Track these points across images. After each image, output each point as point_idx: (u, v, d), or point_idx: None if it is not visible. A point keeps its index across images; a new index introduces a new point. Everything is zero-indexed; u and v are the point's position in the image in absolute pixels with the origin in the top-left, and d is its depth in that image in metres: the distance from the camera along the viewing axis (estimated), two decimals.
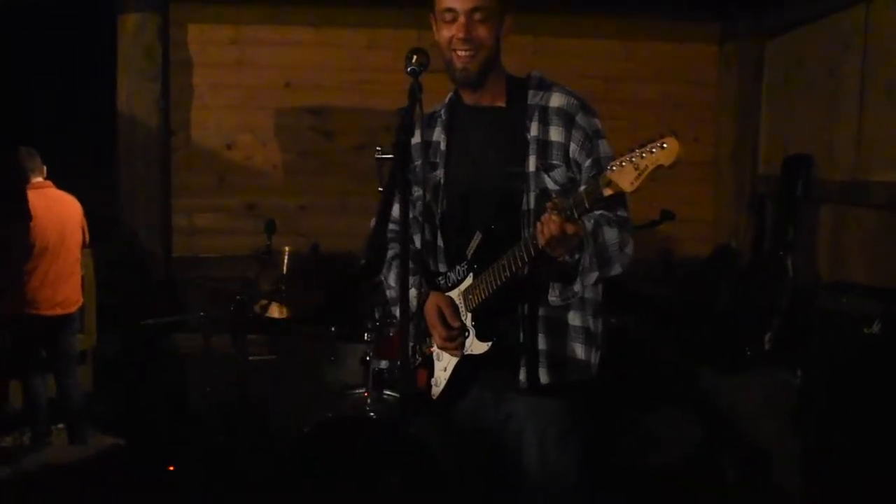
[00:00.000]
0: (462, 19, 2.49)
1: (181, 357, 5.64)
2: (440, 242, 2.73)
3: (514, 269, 2.42)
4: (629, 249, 2.51)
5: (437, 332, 2.63)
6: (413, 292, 2.70)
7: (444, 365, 2.69)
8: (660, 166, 2.10)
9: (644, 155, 2.10)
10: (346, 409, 4.15)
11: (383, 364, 4.12)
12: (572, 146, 2.54)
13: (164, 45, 5.96)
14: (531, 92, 2.61)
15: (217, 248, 6.14)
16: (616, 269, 2.51)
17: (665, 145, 2.08)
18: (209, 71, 6.12)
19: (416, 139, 2.75)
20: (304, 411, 4.45)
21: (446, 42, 2.54)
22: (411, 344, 2.66)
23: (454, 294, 2.65)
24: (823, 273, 5.46)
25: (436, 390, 2.71)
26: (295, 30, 6.14)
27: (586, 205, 2.22)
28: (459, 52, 2.52)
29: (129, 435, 5.40)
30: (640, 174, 2.11)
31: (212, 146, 6.16)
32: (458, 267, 2.64)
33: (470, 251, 2.59)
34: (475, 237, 2.57)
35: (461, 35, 2.49)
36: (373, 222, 2.16)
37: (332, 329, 4.67)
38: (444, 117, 2.73)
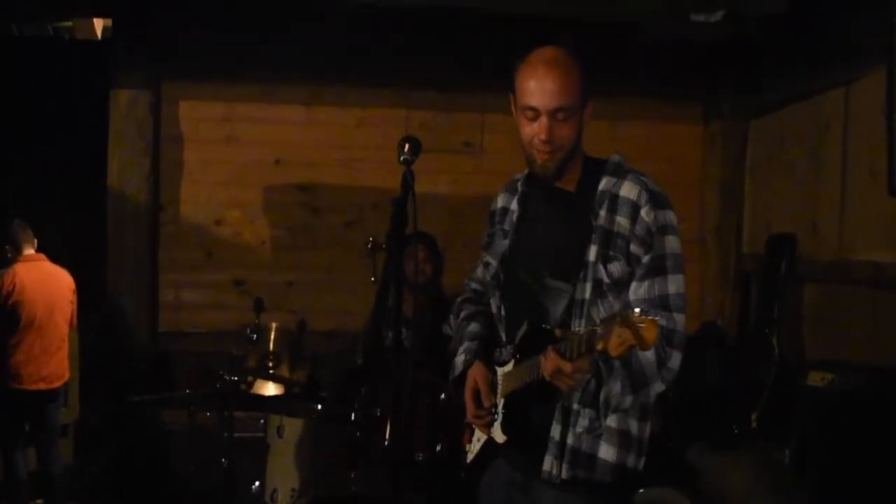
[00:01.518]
0: (544, 120, 2.41)
1: (166, 433, 5.59)
2: (502, 312, 2.70)
3: (534, 376, 2.38)
4: (673, 363, 2.39)
5: (468, 407, 2.64)
6: (461, 357, 2.75)
7: (479, 436, 2.71)
8: (635, 345, 2.02)
9: (629, 326, 2.00)
10: (333, 488, 4.10)
11: (370, 443, 4.08)
12: (634, 240, 2.43)
13: (156, 121, 6.01)
14: (605, 178, 2.52)
15: (204, 323, 6.12)
16: (657, 388, 2.41)
17: (642, 325, 1.98)
18: (200, 147, 6.17)
19: (500, 204, 2.78)
20: (290, 489, 4.40)
21: (527, 139, 2.47)
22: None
23: (499, 372, 2.63)
24: (809, 350, 5.48)
25: (469, 456, 2.73)
26: (285, 108, 6.22)
27: (583, 349, 2.16)
28: (540, 151, 2.46)
29: None
30: (621, 343, 2.02)
31: (200, 221, 6.18)
32: (509, 346, 2.62)
33: (517, 337, 2.55)
34: (524, 326, 2.53)
35: (543, 137, 2.42)
36: (366, 324, 2.17)
37: (318, 407, 4.63)
38: (521, 189, 2.70)
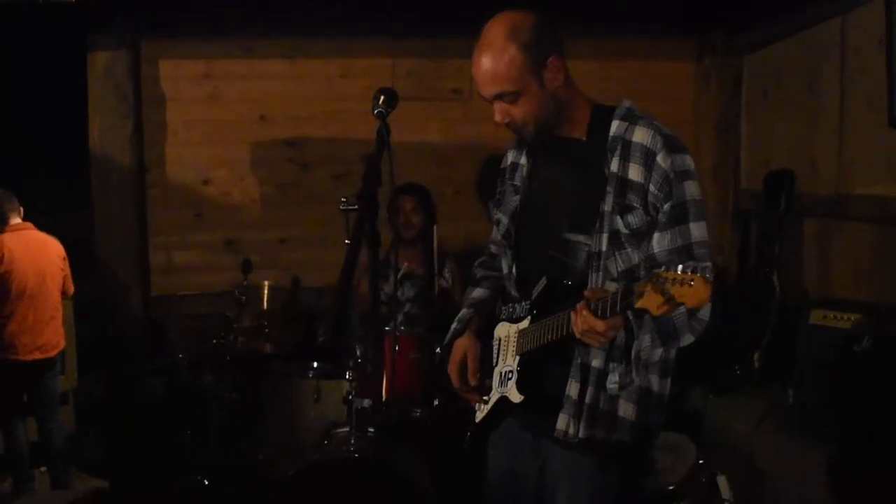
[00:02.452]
0: (496, 106, 2.40)
1: (162, 398, 5.56)
2: (514, 270, 2.62)
3: (558, 335, 2.32)
4: (704, 313, 2.30)
5: (452, 379, 2.60)
6: (454, 325, 2.73)
7: (489, 395, 2.65)
8: (683, 303, 1.93)
9: (674, 283, 1.92)
10: (331, 450, 4.05)
11: (366, 402, 4.02)
12: (651, 188, 2.34)
13: (136, 82, 5.87)
14: (615, 123, 2.43)
15: (196, 285, 6.04)
16: (686, 339, 2.34)
17: (692, 283, 1.90)
18: (182, 106, 6.03)
19: (509, 160, 2.72)
20: (287, 452, 4.37)
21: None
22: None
23: (512, 329, 2.57)
24: (811, 288, 5.42)
25: (478, 415, 2.68)
26: (267, 62, 6.07)
27: (618, 308, 2.08)
28: (513, 131, 2.46)
29: (113, 477, 5.31)
30: (666, 302, 1.93)
31: (188, 182, 6.07)
32: (523, 303, 2.55)
33: (535, 293, 2.49)
34: (541, 281, 2.47)
35: (498, 120, 2.42)
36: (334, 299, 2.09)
37: (315, 366, 4.58)
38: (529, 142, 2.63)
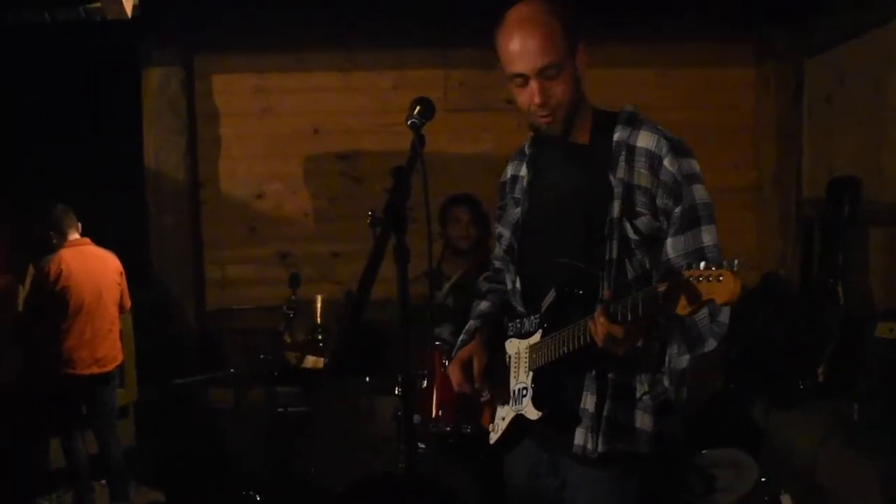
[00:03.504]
0: (535, 83, 2.29)
1: (216, 411, 5.57)
2: (518, 284, 2.55)
3: (575, 346, 2.25)
4: (723, 317, 2.24)
5: (454, 377, 2.54)
6: (461, 338, 2.67)
7: (503, 414, 2.55)
8: (712, 300, 1.87)
9: (700, 281, 1.86)
10: (380, 465, 4.01)
11: (416, 418, 3.96)
12: (660, 192, 2.30)
13: (189, 98, 5.95)
14: (619, 128, 2.38)
15: (250, 298, 6.07)
16: (710, 345, 2.26)
17: (721, 278, 1.84)
18: (236, 121, 6.09)
19: (508, 173, 2.65)
20: (338, 467, 4.35)
21: (525, 106, 2.36)
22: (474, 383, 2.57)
23: (522, 345, 2.49)
24: (877, 299, 5.24)
25: (493, 436, 2.59)
26: (319, 75, 6.11)
27: (640, 311, 2.00)
28: (540, 116, 2.34)
29: (169, 490, 5.33)
30: (691, 303, 1.88)
31: (241, 197, 6.12)
32: (532, 317, 2.47)
33: (544, 305, 2.42)
34: (550, 293, 2.39)
35: (538, 101, 2.30)
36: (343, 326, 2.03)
37: (367, 380, 4.54)
38: (529, 152, 2.57)
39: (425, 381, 4.06)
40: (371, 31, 5.92)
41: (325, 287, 5.69)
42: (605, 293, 2.15)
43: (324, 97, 6.11)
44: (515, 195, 2.59)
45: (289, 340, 4.74)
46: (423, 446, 4.02)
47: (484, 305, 2.72)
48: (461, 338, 2.68)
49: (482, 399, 2.61)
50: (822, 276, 5.44)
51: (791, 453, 4.79)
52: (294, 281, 4.83)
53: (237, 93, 6.07)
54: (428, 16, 5.80)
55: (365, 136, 6.12)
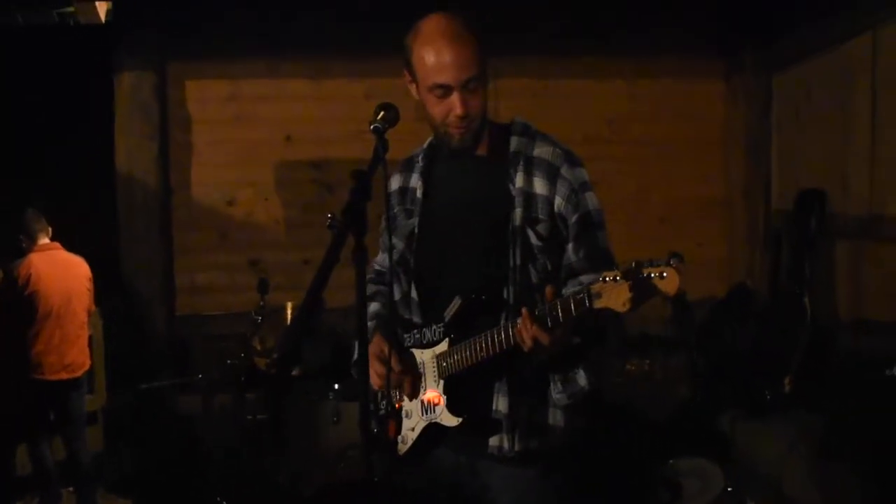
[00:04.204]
0: (457, 95, 2.33)
1: (185, 417, 5.54)
2: (413, 294, 2.57)
3: (493, 352, 2.27)
4: None
5: (373, 366, 2.49)
6: (371, 325, 2.64)
7: (412, 424, 2.54)
8: (658, 294, 1.93)
9: (642, 276, 1.92)
10: (347, 471, 4.00)
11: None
12: (557, 199, 2.38)
13: (162, 104, 5.92)
14: (514, 139, 2.45)
15: (221, 305, 6.04)
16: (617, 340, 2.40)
17: (664, 275, 1.91)
18: (208, 127, 6.07)
19: (394, 185, 2.65)
20: (306, 473, 4.33)
21: (440, 118, 2.38)
22: (380, 393, 2.55)
23: (427, 355, 2.49)
24: (842, 310, 5.30)
25: (402, 447, 2.57)
26: (292, 83, 6.10)
27: (572, 312, 2.06)
28: (457, 128, 2.38)
29: (137, 497, 5.29)
30: (633, 297, 1.94)
31: (212, 203, 6.10)
32: (434, 326, 2.48)
33: (448, 314, 2.43)
34: (454, 302, 2.41)
35: (460, 112, 2.34)
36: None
37: (336, 387, 4.53)
38: (421, 163, 2.60)
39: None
40: (343, 39, 5.93)
41: (296, 294, 5.64)
42: (549, 291, 2.15)
43: (296, 105, 6.11)
44: (407, 206, 2.60)
45: (258, 347, 4.72)
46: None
47: (375, 307, 2.72)
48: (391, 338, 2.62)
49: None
50: (790, 287, 5.49)
51: (757, 463, 4.82)
52: (262, 287, 4.83)
53: (210, 99, 6.06)
54: (400, 25, 5.81)
55: (337, 144, 6.11)
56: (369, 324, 2.65)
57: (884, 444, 4.00)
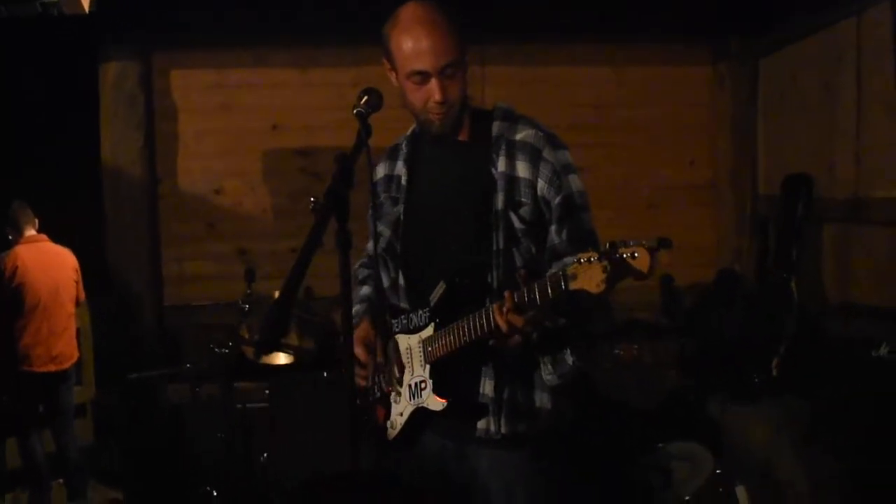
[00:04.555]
0: (435, 81, 2.36)
1: (175, 407, 5.54)
2: (401, 281, 2.59)
3: (475, 335, 2.29)
4: None
5: (358, 353, 2.53)
6: (359, 307, 2.69)
7: (400, 410, 2.55)
8: (633, 274, 1.94)
9: (616, 256, 1.93)
10: (338, 461, 3.99)
11: None
12: (540, 182, 2.41)
13: (147, 93, 5.90)
14: (496, 123, 2.47)
15: (209, 295, 6.01)
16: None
17: (636, 255, 1.91)
18: (194, 117, 6.05)
19: (381, 173, 2.67)
20: (296, 463, 4.33)
21: (420, 104, 2.42)
22: (369, 378, 2.59)
23: (413, 340, 2.51)
24: (829, 294, 5.32)
25: (391, 432, 2.59)
26: (279, 71, 6.08)
27: (550, 294, 2.07)
28: (437, 114, 2.40)
29: (128, 488, 5.29)
30: (608, 278, 1.94)
31: (200, 192, 6.08)
32: (420, 311, 2.50)
33: (433, 299, 2.45)
34: (439, 286, 2.43)
35: (439, 98, 2.37)
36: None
37: (325, 375, 4.53)
38: (405, 150, 2.62)
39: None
40: (330, 28, 5.90)
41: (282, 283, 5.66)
42: (522, 274, 2.18)
43: (283, 93, 6.09)
44: (393, 194, 2.62)
45: (246, 335, 4.71)
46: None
47: (365, 290, 2.76)
48: (353, 321, 2.65)
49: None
50: (777, 272, 5.51)
51: (746, 447, 4.84)
52: (249, 275, 4.82)
53: (196, 88, 6.03)
54: (387, 13, 5.79)
55: (324, 133, 6.08)
56: (359, 307, 2.69)
57: (870, 427, 4.03)
